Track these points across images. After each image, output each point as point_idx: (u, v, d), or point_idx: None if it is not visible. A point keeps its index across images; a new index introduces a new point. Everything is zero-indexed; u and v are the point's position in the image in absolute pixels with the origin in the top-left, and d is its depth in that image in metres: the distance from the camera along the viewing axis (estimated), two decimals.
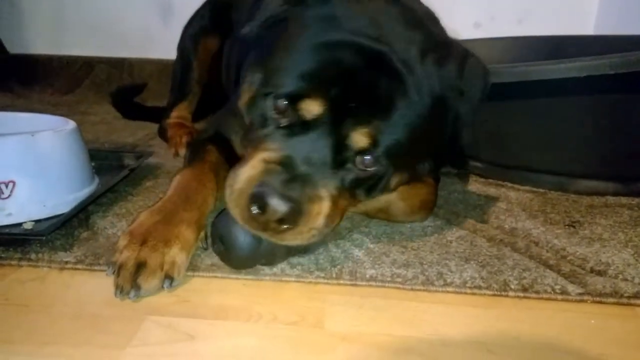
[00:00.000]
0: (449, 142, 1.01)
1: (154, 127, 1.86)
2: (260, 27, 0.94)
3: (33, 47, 2.80)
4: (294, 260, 0.89)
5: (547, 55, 1.63)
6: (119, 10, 2.70)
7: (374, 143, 0.83)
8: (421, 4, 1.08)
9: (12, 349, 0.65)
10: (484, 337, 0.73)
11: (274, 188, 0.75)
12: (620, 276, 0.88)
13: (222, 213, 0.85)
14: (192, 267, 0.85)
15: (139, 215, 0.88)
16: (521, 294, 0.83)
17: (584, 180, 1.36)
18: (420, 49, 0.86)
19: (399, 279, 0.85)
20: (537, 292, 0.83)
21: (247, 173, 0.80)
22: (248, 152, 0.88)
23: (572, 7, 2.48)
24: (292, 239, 0.80)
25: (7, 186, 0.92)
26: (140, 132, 1.90)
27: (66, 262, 0.85)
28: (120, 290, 0.76)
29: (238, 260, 0.83)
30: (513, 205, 1.24)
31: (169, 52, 1.99)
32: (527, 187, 1.39)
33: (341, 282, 0.85)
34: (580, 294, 0.83)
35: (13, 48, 2.76)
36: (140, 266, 0.77)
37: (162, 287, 0.78)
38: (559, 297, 0.83)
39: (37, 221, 0.94)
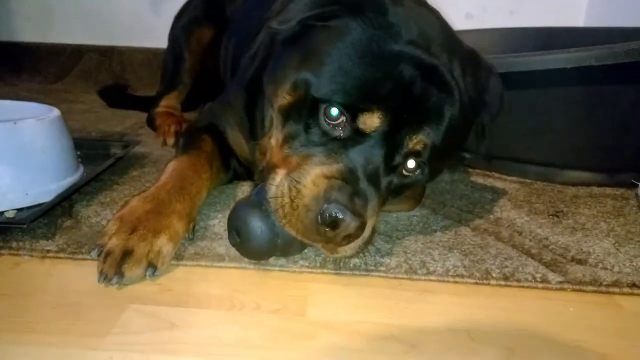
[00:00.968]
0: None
1: (143, 116, 1.84)
2: (299, 24, 0.88)
3: (21, 34, 2.76)
4: None
5: (537, 47, 1.64)
6: None
7: (424, 150, 0.85)
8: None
9: None
10: (465, 324, 0.74)
11: (345, 205, 0.74)
12: (600, 265, 0.90)
13: (238, 205, 0.84)
14: (176, 256, 0.85)
15: (131, 200, 0.88)
16: (502, 283, 0.84)
17: (570, 171, 1.37)
18: (460, 60, 0.88)
19: (383, 268, 0.86)
20: (518, 280, 0.84)
21: (310, 189, 0.76)
22: (288, 160, 0.84)
23: None
24: (346, 250, 0.80)
25: None
26: (128, 121, 1.89)
27: (48, 251, 0.85)
28: (104, 276, 0.76)
29: (254, 252, 0.83)
30: (499, 195, 1.25)
31: (159, 40, 1.98)
32: (513, 178, 1.40)
33: (325, 271, 0.85)
34: (560, 282, 0.84)
35: (0, 35, 2.72)
36: (126, 254, 0.77)
37: (145, 275, 0.78)
38: (540, 285, 0.84)
39: (19, 210, 0.94)
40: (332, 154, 0.81)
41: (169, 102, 1.80)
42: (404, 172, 0.87)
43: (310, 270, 0.85)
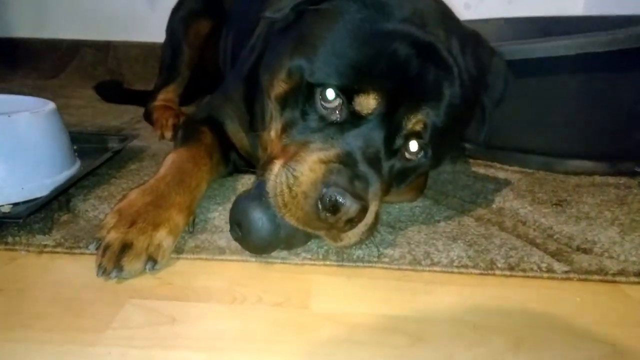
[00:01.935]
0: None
1: (140, 110, 1.82)
2: (293, 11, 0.87)
3: (16, 29, 2.73)
4: None
5: (536, 36, 1.62)
6: None
7: (425, 131, 0.82)
8: None
9: None
10: (470, 315, 0.73)
11: (344, 188, 0.72)
12: (606, 254, 0.88)
13: (239, 199, 0.82)
14: (176, 249, 0.84)
15: (129, 193, 0.87)
16: (508, 273, 0.83)
17: (572, 160, 1.36)
18: (459, 38, 0.86)
19: (386, 259, 0.84)
20: (523, 270, 0.83)
21: (307, 176, 0.74)
22: (287, 149, 0.82)
23: None
24: (350, 237, 0.78)
25: None
26: (125, 115, 1.87)
27: (45, 246, 0.83)
28: (103, 270, 0.74)
29: (257, 246, 0.81)
30: (501, 185, 1.24)
31: (155, 35, 1.96)
32: (515, 168, 1.39)
33: (327, 262, 0.84)
34: (566, 271, 0.83)
35: None
36: (125, 247, 0.76)
37: (145, 269, 0.77)
38: (545, 275, 0.82)
39: (15, 204, 0.92)
40: (330, 139, 0.79)
41: (167, 96, 1.78)
42: (407, 155, 0.85)
43: (312, 262, 0.84)
